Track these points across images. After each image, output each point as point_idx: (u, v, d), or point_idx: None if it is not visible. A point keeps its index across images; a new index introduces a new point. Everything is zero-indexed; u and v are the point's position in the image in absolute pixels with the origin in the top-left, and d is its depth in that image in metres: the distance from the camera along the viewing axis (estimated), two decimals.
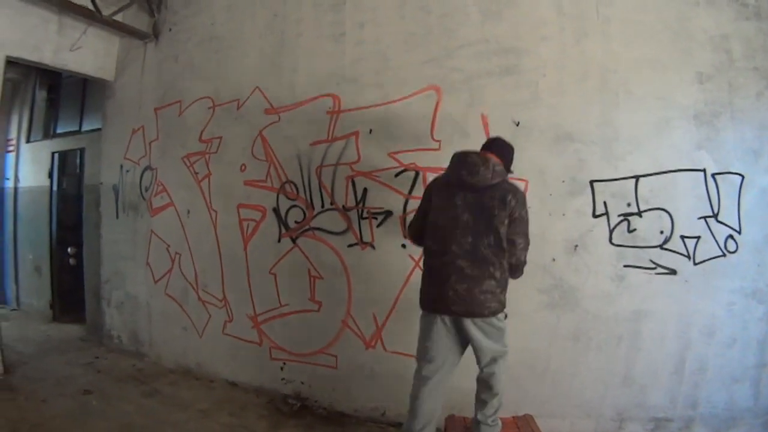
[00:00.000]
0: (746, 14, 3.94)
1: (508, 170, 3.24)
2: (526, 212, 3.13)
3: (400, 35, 4.43)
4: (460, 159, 3.11)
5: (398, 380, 3.66)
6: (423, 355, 3.24)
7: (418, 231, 3.34)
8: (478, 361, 3.17)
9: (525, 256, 3.20)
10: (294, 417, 4.57)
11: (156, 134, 5.71)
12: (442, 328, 3.13)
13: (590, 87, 4.01)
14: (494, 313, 3.06)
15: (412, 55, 4.38)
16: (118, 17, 5.76)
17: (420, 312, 3.28)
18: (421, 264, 3.41)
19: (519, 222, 3.07)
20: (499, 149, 3.24)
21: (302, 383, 4.82)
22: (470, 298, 2.99)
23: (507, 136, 3.79)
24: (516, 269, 3.20)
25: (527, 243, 3.18)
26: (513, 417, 3.78)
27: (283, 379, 4.90)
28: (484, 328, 3.08)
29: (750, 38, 3.92)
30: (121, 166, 6.05)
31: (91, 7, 5.36)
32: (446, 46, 4.29)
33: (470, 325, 3.06)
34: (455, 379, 3.36)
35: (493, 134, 3.86)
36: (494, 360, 3.15)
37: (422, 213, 3.28)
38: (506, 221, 3.00)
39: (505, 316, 3.19)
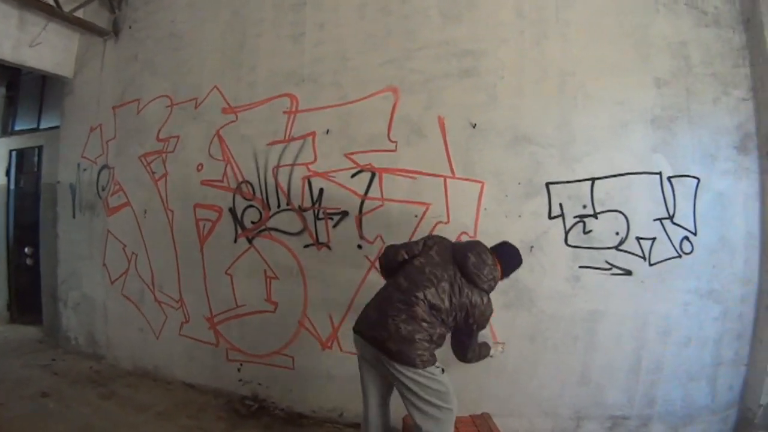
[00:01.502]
0: (705, 21, 4.07)
1: (504, 275, 3.26)
2: (479, 326, 3.12)
3: (360, 36, 4.46)
4: (475, 253, 3.08)
5: (355, 381, 3.63)
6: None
7: (396, 260, 3.24)
8: None
9: (464, 357, 3.24)
10: (252, 418, 4.55)
11: (114, 133, 5.63)
12: (365, 350, 3.12)
13: (548, 90, 4.08)
14: (421, 366, 2.95)
15: (372, 56, 4.40)
16: (79, 13, 5.68)
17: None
18: (377, 264, 3.49)
19: (473, 321, 3.07)
20: (509, 258, 3.28)
21: (259, 384, 4.79)
22: (399, 338, 2.91)
23: (464, 138, 3.92)
24: (458, 358, 3.26)
25: (469, 352, 3.21)
26: (471, 416, 3.81)
27: (240, 380, 4.87)
28: (412, 378, 2.97)
29: (708, 45, 4.05)
30: (79, 165, 5.94)
31: (52, 2, 5.30)
32: (406, 48, 4.33)
33: (396, 372, 2.98)
34: None
35: (449, 137, 4.07)
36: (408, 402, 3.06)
37: (412, 247, 3.23)
38: (461, 316, 3.03)
39: (442, 371, 3.07)
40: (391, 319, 2.91)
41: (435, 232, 3.96)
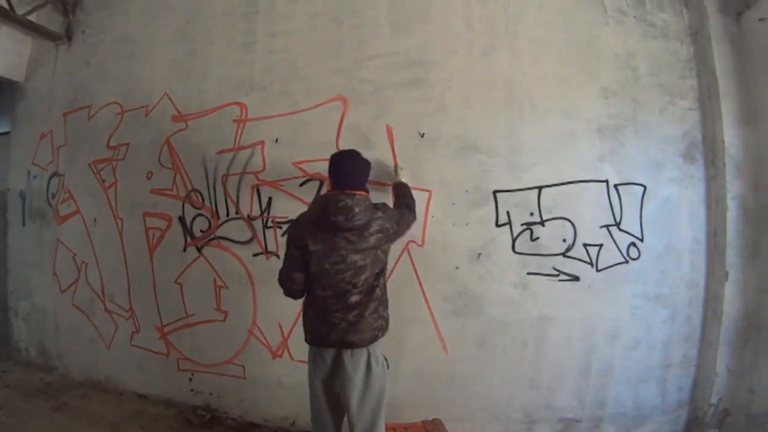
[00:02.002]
0: (653, 34, 4.20)
1: (365, 183, 3.14)
2: (401, 216, 3.25)
3: (311, 45, 4.46)
4: (330, 204, 2.91)
5: (306, 390, 3.63)
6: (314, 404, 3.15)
7: (293, 281, 3.06)
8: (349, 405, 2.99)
9: (412, 213, 3.43)
10: (204, 428, 4.52)
11: (64, 139, 5.52)
12: (328, 358, 3.01)
13: (496, 100, 4.15)
14: (382, 331, 3.03)
15: (322, 65, 4.40)
16: (33, 17, 5.56)
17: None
18: None
19: (398, 224, 3.18)
20: (357, 175, 3.09)
21: (211, 394, 4.75)
22: (360, 322, 2.92)
23: (412, 147, 3.94)
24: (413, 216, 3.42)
25: (405, 218, 3.32)
26: (422, 422, 3.84)
27: (192, 390, 4.82)
28: (363, 370, 2.96)
29: (656, 56, 4.18)
30: (29, 172, 5.81)
31: (5, 5, 5.19)
32: (356, 58, 4.34)
33: (353, 359, 2.95)
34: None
35: (397, 146, 4.09)
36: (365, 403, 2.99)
37: (296, 262, 3.01)
38: (389, 245, 3.11)
39: (387, 364, 3.08)
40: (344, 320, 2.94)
41: None
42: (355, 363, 2.91)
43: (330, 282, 2.91)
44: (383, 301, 3.06)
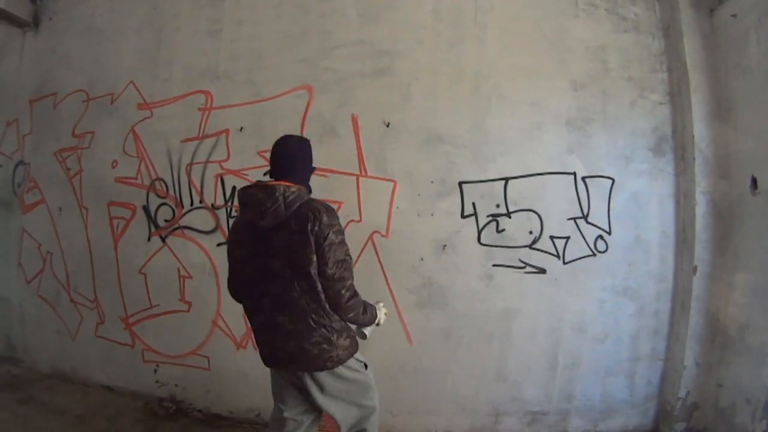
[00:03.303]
0: (625, 27, 4.17)
1: (307, 173, 2.70)
2: (339, 230, 2.50)
3: (277, 34, 4.42)
4: (244, 198, 2.51)
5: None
6: (276, 398, 2.81)
7: (229, 286, 2.79)
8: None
9: (347, 288, 2.52)
10: (170, 420, 4.47)
11: (30, 128, 5.45)
12: (284, 379, 2.69)
13: (463, 91, 4.12)
14: (340, 362, 2.54)
15: (288, 53, 4.36)
16: (1, 3, 5.45)
17: None
18: None
19: (329, 247, 2.41)
20: (290, 159, 2.62)
21: (176, 386, 4.70)
22: (303, 355, 2.46)
23: (377, 137, 3.89)
24: (339, 307, 2.51)
25: (346, 270, 2.51)
26: None
27: (157, 381, 4.77)
28: (329, 383, 2.57)
29: (627, 49, 4.16)
30: None
31: None
32: (322, 47, 4.31)
33: (310, 383, 2.56)
34: None
35: (362, 135, 4.07)
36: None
37: (229, 264, 2.69)
38: (313, 256, 2.40)
39: (365, 366, 2.75)
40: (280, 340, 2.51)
41: (347, 231, 3.81)
42: (312, 384, 2.55)
43: (248, 292, 2.58)
44: (334, 330, 2.51)
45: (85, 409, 4.62)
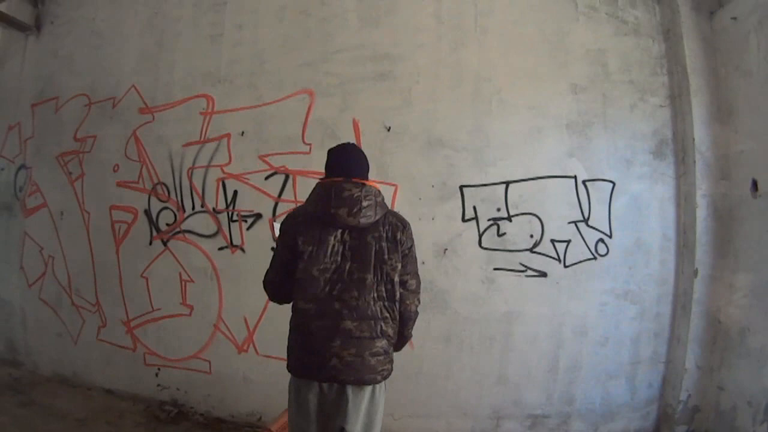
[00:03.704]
0: (625, 30, 4.18)
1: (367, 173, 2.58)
2: (415, 246, 2.55)
3: (278, 38, 4.43)
4: (333, 192, 2.33)
5: (272, 385, 3.61)
6: None
7: (281, 286, 2.49)
8: None
9: (419, 303, 2.60)
10: (171, 424, 4.47)
11: (32, 131, 5.47)
12: (318, 397, 2.37)
13: (463, 95, 4.12)
14: (388, 377, 2.44)
15: (289, 58, 4.38)
16: (2, 7, 5.46)
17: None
18: None
19: (411, 261, 2.49)
20: (365, 164, 2.54)
21: (178, 389, 4.71)
22: (360, 364, 2.31)
23: (378, 141, 3.91)
24: (408, 320, 2.54)
25: (420, 285, 2.59)
26: None
27: (158, 385, 4.77)
28: (369, 401, 2.39)
29: (627, 53, 4.16)
30: None
31: None
32: (323, 51, 4.32)
33: (354, 393, 2.35)
34: None
35: (363, 139, 4.04)
36: None
37: (284, 262, 2.44)
38: (399, 264, 2.40)
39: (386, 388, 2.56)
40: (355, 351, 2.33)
41: None
42: (354, 398, 2.35)
43: (315, 294, 2.33)
44: (392, 342, 2.48)
45: (87, 413, 4.60)
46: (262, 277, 2.57)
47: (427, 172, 4.08)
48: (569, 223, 4.07)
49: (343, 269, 2.34)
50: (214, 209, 4.46)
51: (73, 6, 5.41)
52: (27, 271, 5.47)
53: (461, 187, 4.07)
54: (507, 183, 4.05)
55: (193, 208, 4.55)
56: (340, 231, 2.34)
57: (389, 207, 2.53)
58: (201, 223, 4.52)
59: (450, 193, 4.07)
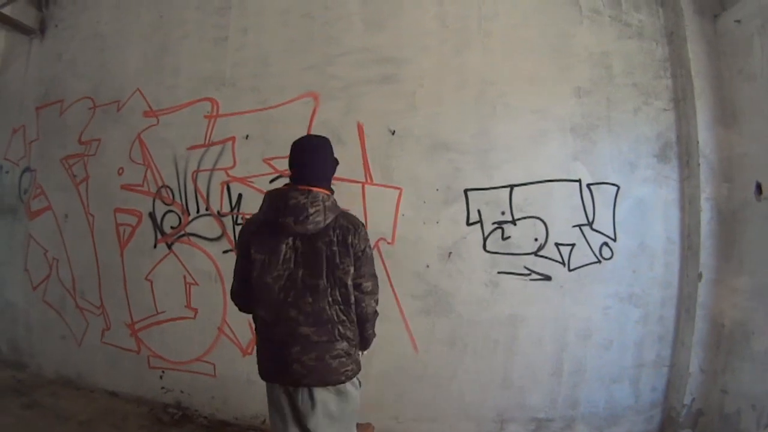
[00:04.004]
0: (629, 33, 4.17)
1: (331, 177, 2.63)
2: (370, 247, 2.55)
3: (282, 41, 4.44)
4: (280, 201, 2.39)
5: None
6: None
7: (242, 294, 2.59)
8: None
9: (376, 303, 2.64)
10: (175, 427, 4.47)
11: (36, 134, 5.49)
12: (288, 399, 2.46)
13: (468, 98, 4.12)
14: (353, 376, 2.51)
15: (293, 61, 4.38)
16: (6, 10, 5.47)
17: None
18: None
19: (365, 262, 2.50)
20: (321, 166, 2.55)
21: (182, 392, 4.72)
22: (323, 368, 2.39)
23: (382, 144, 3.92)
24: (366, 322, 2.60)
25: (376, 285, 2.62)
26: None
27: (163, 388, 4.78)
28: (336, 401, 2.48)
29: (631, 56, 4.16)
30: (1, 167, 5.78)
31: None
32: (327, 54, 4.32)
33: (320, 394, 2.43)
34: None
35: (368, 143, 4.08)
36: None
37: (241, 270, 2.52)
38: (351, 268, 2.43)
39: (360, 384, 2.63)
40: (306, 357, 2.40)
41: None
42: (322, 401, 2.44)
43: (271, 301, 2.39)
44: (354, 343, 2.53)
45: (90, 415, 4.62)
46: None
47: (431, 175, 4.08)
48: (573, 226, 4.06)
49: (296, 276, 2.38)
50: (218, 212, 4.47)
51: (77, 10, 5.43)
52: (31, 273, 5.48)
53: (466, 191, 4.06)
54: (511, 186, 4.05)
55: (198, 211, 4.56)
56: (291, 238, 2.38)
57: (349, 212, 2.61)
58: (205, 226, 4.52)
59: (454, 196, 4.06)
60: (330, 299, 2.40)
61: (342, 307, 2.44)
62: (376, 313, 2.64)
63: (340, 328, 2.44)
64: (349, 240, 2.40)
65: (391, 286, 4.11)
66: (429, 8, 4.21)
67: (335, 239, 2.39)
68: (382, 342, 3.96)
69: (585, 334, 4.10)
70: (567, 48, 4.15)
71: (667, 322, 4.18)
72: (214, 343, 4.54)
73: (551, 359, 4.11)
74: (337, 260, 2.39)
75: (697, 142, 4.02)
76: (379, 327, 3.86)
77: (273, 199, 2.43)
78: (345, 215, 2.50)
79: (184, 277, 4.61)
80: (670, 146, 4.18)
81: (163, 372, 4.79)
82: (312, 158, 2.52)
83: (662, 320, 4.16)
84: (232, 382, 4.47)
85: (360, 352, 2.65)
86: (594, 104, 4.11)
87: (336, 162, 2.69)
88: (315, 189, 2.40)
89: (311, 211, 2.33)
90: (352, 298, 2.46)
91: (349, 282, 2.43)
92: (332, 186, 2.60)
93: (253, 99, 4.42)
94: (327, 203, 2.40)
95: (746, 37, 3.84)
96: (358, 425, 3.60)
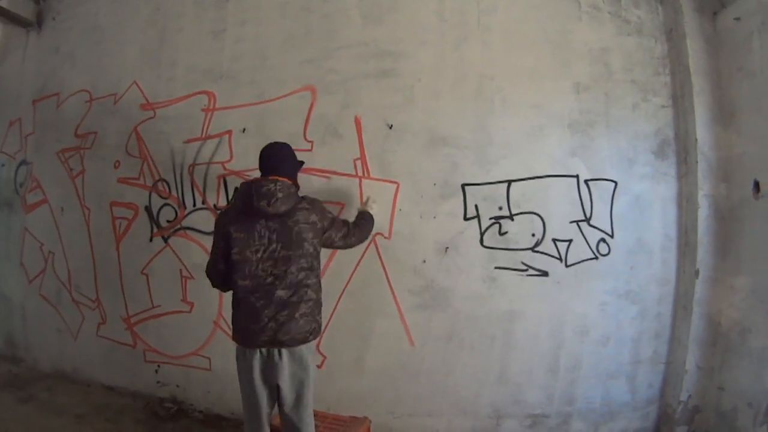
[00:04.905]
0: (628, 30, 4.15)
1: (296, 171, 3.23)
2: (330, 211, 3.21)
3: (280, 34, 4.41)
4: (254, 189, 2.88)
5: None
6: (248, 400, 3.08)
7: (220, 273, 3.09)
8: (282, 401, 2.97)
9: (357, 238, 3.43)
10: (171, 421, 4.49)
11: (33, 127, 5.47)
12: (260, 361, 2.92)
13: (466, 93, 4.09)
14: (315, 336, 3.01)
15: (291, 54, 4.35)
16: (3, 3, 5.45)
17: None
18: None
19: (336, 226, 3.21)
20: (282, 163, 3.11)
21: (178, 386, 4.71)
22: (293, 324, 2.87)
23: (380, 138, 3.90)
24: (357, 243, 3.48)
25: (347, 234, 3.31)
26: (350, 416, 3.84)
27: (158, 382, 4.78)
28: (297, 354, 2.93)
29: (630, 52, 4.13)
30: None
31: None
32: (325, 47, 4.29)
33: (287, 356, 2.89)
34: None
35: (365, 137, 4.07)
36: (299, 399, 2.97)
37: (220, 249, 3.02)
38: (316, 241, 3.01)
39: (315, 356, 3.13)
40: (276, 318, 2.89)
41: None
42: (288, 360, 2.88)
43: (251, 271, 2.88)
44: (318, 304, 3.05)
45: (86, 409, 4.63)
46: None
47: (428, 170, 4.05)
48: (571, 222, 4.04)
49: (273, 249, 2.87)
50: (215, 206, 4.45)
51: (74, 2, 5.39)
52: (27, 266, 5.47)
53: (463, 186, 4.03)
54: (509, 182, 4.02)
55: (194, 204, 4.54)
56: (263, 219, 2.87)
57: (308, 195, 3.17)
58: (202, 220, 4.49)
59: (452, 191, 4.04)
60: (299, 266, 2.89)
61: (307, 272, 2.94)
62: (362, 239, 3.54)
63: (308, 290, 2.94)
64: (311, 219, 2.97)
65: (388, 280, 4.09)
66: (428, 2, 4.18)
67: (299, 218, 2.92)
68: (379, 336, 4.00)
69: (582, 330, 4.08)
70: (566, 44, 4.12)
71: (664, 318, 4.15)
72: (209, 338, 4.52)
73: (548, 355, 4.09)
74: (303, 235, 2.91)
75: (696, 139, 4.00)
76: (376, 322, 3.95)
77: (247, 188, 2.91)
78: (305, 198, 3.06)
79: (180, 270, 4.59)
80: (668, 143, 4.16)
81: (158, 366, 4.78)
82: (276, 155, 3.12)
83: (659, 317, 4.14)
84: (228, 376, 4.37)
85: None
86: (592, 100, 4.08)
87: (300, 163, 3.30)
88: (281, 179, 2.95)
89: (279, 195, 2.84)
90: (317, 264, 3.04)
91: (312, 251, 2.97)
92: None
93: (250, 92, 4.39)
94: (291, 190, 2.94)
95: (745, 35, 3.83)
96: (353, 419, 3.62)
